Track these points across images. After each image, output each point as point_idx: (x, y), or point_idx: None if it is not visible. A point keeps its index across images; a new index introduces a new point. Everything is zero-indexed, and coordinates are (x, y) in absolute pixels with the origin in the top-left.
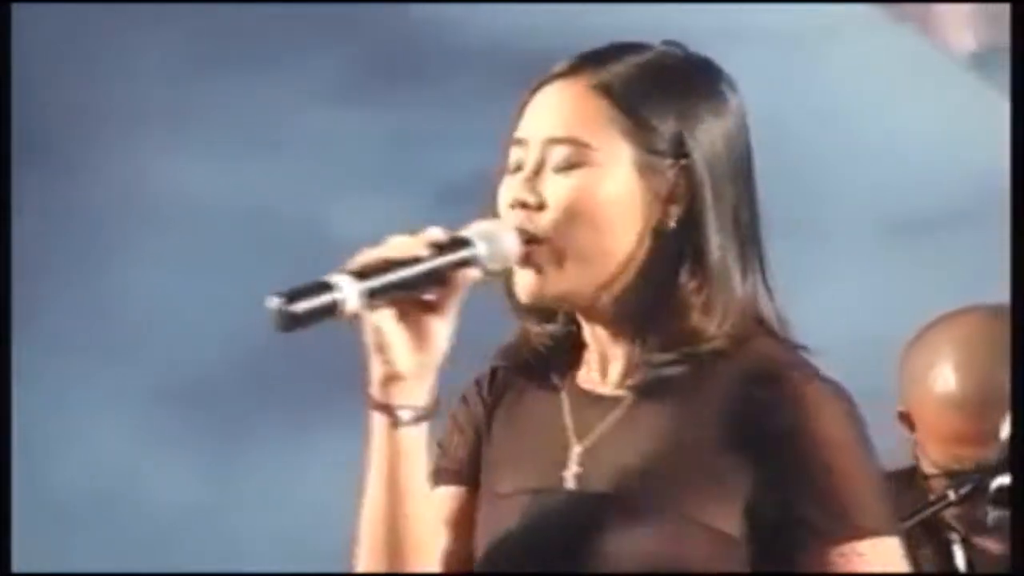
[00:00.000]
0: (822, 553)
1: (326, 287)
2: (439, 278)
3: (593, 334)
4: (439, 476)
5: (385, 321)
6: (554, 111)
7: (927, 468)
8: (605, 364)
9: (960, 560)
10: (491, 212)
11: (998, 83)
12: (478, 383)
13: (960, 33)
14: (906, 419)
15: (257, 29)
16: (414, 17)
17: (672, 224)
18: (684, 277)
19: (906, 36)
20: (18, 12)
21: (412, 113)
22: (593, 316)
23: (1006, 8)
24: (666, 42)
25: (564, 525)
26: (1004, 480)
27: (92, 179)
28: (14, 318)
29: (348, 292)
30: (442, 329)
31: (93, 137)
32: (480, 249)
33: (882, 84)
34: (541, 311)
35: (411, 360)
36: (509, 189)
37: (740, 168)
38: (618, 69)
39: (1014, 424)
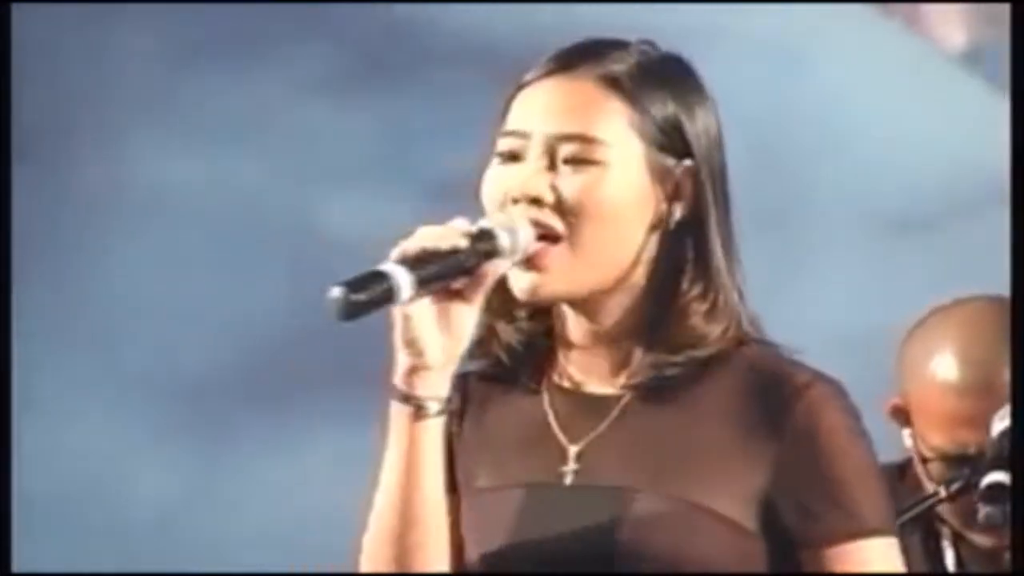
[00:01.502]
0: (829, 549)
1: (381, 276)
2: (471, 269)
3: (584, 331)
4: None
5: (419, 311)
6: (560, 106)
7: (925, 452)
8: (594, 362)
9: (949, 557)
10: (478, 206)
11: (987, 79)
12: None
13: (948, 30)
14: (899, 413)
15: (244, 24)
16: (401, 11)
17: (675, 224)
18: (688, 279)
19: (894, 33)
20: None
21: (400, 108)
22: (587, 312)
23: (994, 4)
24: (642, 41)
25: (570, 518)
26: (995, 477)
27: (78, 173)
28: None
29: (402, 281)
30: (470, 320)
31: (79, 132)
32: (503, 241)
33: (871, 81)
34: (507, 306)
35: (440, 351)
36: (511, 181)
37: (724, 168)
38: (621, 64)
39: (1014, 423)
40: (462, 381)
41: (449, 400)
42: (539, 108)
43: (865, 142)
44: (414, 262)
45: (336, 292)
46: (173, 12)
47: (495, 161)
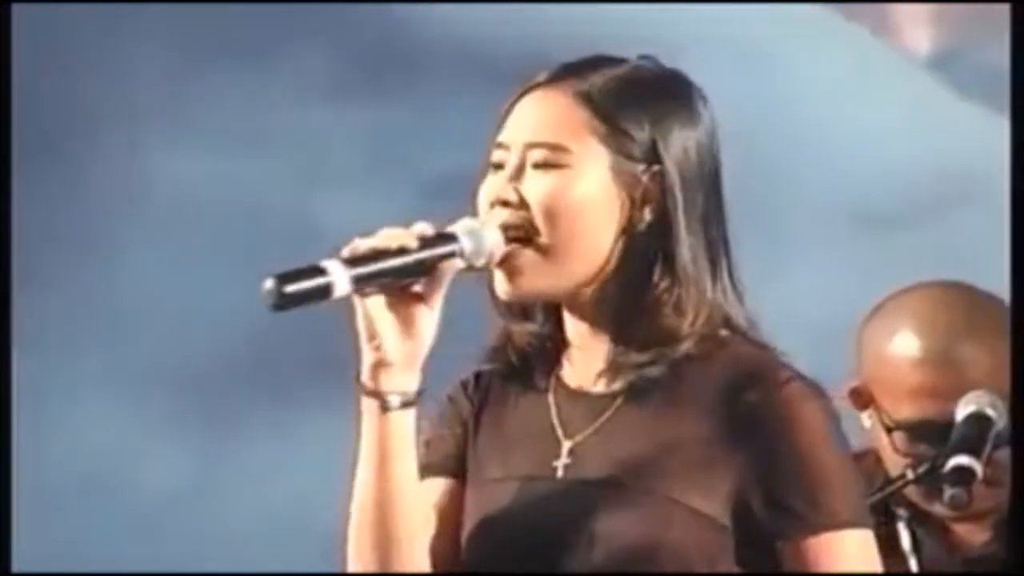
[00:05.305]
0: (803, 542)
1: (318, 271)
2: (425, 269)
3: (576, 332)
4: (426, 470)
5: (376, 309)
6: (536, 117)
7: (890, 424)
8: (589, 362)
9: (905, 538)
10: (472, 211)
11: (953, 82)
12: (464, 384)
13: (915, 34)
14: (858, 395)
15: (245, 28)
16: (400, 19)
17: (643, 226)
18: (656, 278)
19: (862, 37)
20: (17, 10)
21: (396, 110)
22: (576, 313)
23: (960, 8)
24: (642, 56)
25: (555, 509)
26: (960, 460)
27: (86, 172)
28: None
29: (338, 277)
30: (429, 318)
31: (88, 132)
32: (465, 244)
33: (840, 85)
34: (523, 310)
35: (399, 348)
36: (490, 188)
37: (710, 176)
38: (597, 79)
39: (1014, 419)
40: (482, 379)
41: (419, 394)
42: (520, 119)
43: (835, 144)
44: (359, 260)
45: (269, 283)
46: (175, 16)
47: (488, 171)
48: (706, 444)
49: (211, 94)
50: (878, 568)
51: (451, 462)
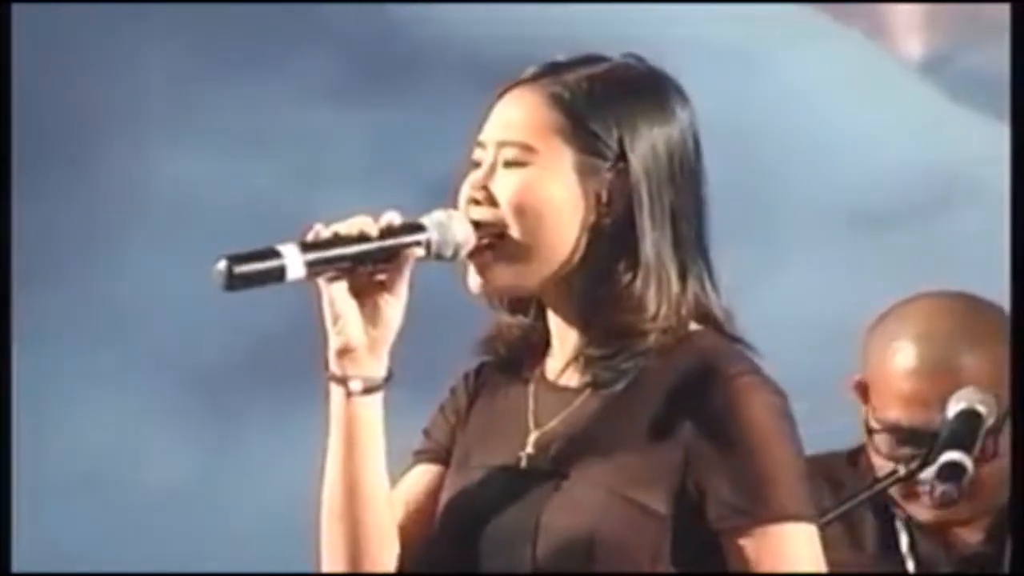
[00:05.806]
0: (742, 533)
1: (273, 254)
2: (387, 257)
3: (554, 325)
4: (419, 456)
5: (339, 294)
6: (509, 116)
7: (874, 425)
8: (564, 355)
9: (903, 538)
10: (455, 207)
11: (945, 85)
12: (466, 376)
13: (907, 37)
14: (861, 389)
15: (247, 30)
16: (399, 17)
17: (609, 223)
18: (620, 273)
19: (855, 41)
20: (17, 10)
21: (397, 111)
22: (550, 307)
23: (951, 11)
24: (627, 55)
25: (508, 500)
26: (951, 456)
27: (87, 172)
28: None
29: (292, 260)
30: (393, 306)
31: (89, 132)
32: (432, 235)
33: (834, 87)
34: (514, 303)
35: (363, 333)
36: (466, 185)
37: (683, 174)
38: (571, 78)
39: (1014, 420)
40: (482, 372)
41: (386, 380)
42: (495, 118)
43: (829, 146)
44: (317, 245)
45: (220, 265)
46: (182, 20)
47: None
48: (656, 436)
49: (212, 95)
50: (822, 563)
51: (443, 452)
